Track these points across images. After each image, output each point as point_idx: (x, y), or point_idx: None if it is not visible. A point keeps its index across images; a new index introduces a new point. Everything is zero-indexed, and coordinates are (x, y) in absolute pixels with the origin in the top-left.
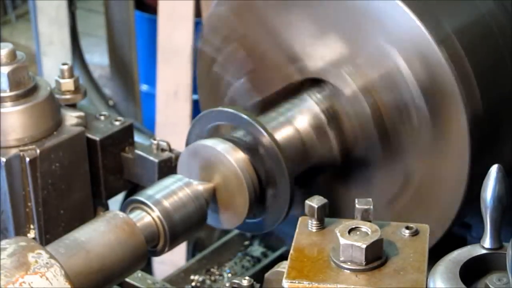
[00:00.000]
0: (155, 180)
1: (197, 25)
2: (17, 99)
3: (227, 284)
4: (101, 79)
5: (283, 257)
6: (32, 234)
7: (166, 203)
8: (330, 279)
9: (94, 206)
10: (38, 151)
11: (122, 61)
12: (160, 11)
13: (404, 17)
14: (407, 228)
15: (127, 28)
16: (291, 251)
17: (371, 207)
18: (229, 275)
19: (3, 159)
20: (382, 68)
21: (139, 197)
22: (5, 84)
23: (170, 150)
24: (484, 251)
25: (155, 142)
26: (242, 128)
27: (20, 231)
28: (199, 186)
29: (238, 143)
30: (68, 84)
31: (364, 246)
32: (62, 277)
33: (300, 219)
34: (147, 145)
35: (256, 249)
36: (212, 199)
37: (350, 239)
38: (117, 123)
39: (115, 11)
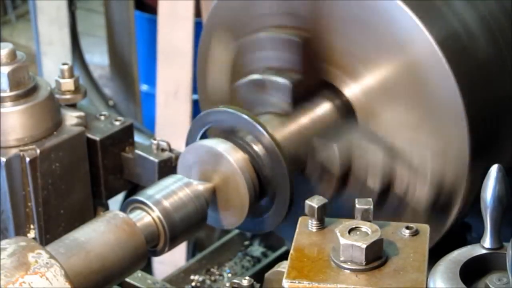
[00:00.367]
0: (155, 180)
1: (197, 25)
2: (17, 99)
3: (227, 284)
4: (101, 79)
5: (283, 257)
6: (32, 234)
7: (166, 203)
8: (330, 279)
9: (94, 206)
10: (38, 151)
11: (122, 61)
12: (160, 11)
13: (404, 17)
14: (407, 228)
15: (127, 28)
16: (291, 251)
17: (371, 207)
18: (229, 275)
19: (3, 159)
20: (383, 69)
21: (139, 197)
22: (5, 84)
23: (170, 150)
24: (484, 251)
25: (155, 142)
26: (242, 128)
27: (20, 231)
28: (199, 186)
29: (238, 143)
30: (68, 84)
31: (364, 246)
32: (62, 277)
33: (300, 219)
34: (147, 145)
35: (256, 249)
36: (212, 199)
37: (350, 239)
38: (117, 123)
39: (115, 11)
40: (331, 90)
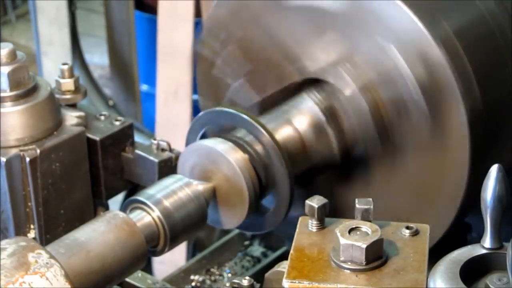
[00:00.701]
0: (155, 180)
1: (197, 25)
2: (17, 99)
3: (227, 284)
4: (101, 79)
5: (283, 257)
6: (32, 234)
7: (166, 203)
8: (330, 279)
9: (94, 206)
10: (38, 151)
11: (122, 61)
12: (160, 11)
13: (404, 17)
14: (407, 228)
15: (127, 28)
16: (291, 251)
17: (371, 207)
18: (229, 275)
19: (3, 159)
20: (382, 68)
21: (139, 197)
22: (5, 84)
23: (170, 150)
24: (484, 251)
25: (155, 142)
26: (242, 128)
27: (20, 231)
28: (199, 186)
29: (238, 143)
30: (68, 84)
31: (364, 246)
32: (62, 277)
33: (300, 219)
34: (147, 145)
35: (256, 249)
36: (212, 199)
37: (350, 239)
38: (117, 123)
39: (115, 11)
40: (332, 90)
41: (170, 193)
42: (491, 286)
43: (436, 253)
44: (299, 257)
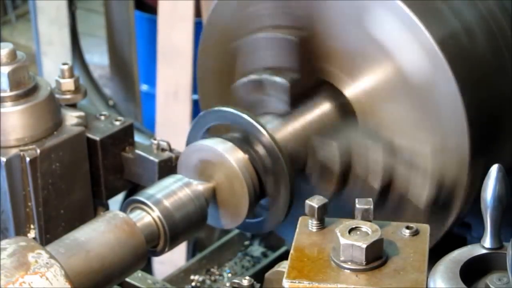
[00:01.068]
0: (155, 180)
1: (197, 25)
2: (17, 99)
3: (227, 284)
4: (101, 79)
5: (283, 257)
6: (32, 234)
7: (166, 203)
8: (330, 279)
9: (94, 206)
10: (38, 151)
11: (122, 61)
12: (160, 11)
13: (404, 17)
14: (407, 228)
15: (127, 28)
16: (291, 251)
17: (371, 207)
18: (229, 275)
19: (3, 159)
20: (382, 68)
21: (139, 197)
22: (5, 84)
23: (170, 150)
24: (484, 251)
25: (155, 142)
26: (242, 128)
27: (20, 231)
28: (199, 186)
29: (238, 143)
30: (68, 84)
31: (364, 246)
32: (62, 277)
33: (300, 219)
34: (147, 145)
35: (256, 249)
36: (212, 199)
37: (351, 239)
38: (117, 123)
39: (115, 11)
40: (331, 90)
41: (170, 193)
42: (491, 286)
43: (436, 253)
44: (299, 257)
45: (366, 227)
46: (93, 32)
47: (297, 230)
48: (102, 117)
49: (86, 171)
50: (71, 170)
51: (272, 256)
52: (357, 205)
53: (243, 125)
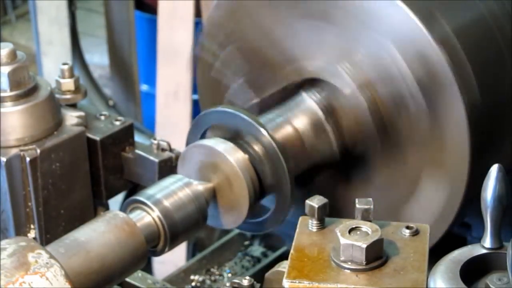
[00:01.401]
0: (155, 180)
1: (197, 25)
2: (17, 99)
3: (227, 284)
4: (101, 79)
5: (283, 257)
6: (32, 234)
7: (166, 203)
8: (330, 279)
9: (94, 206)
10: (38, 151)
11: (122, 61)
12: (160, 11)
13: (404, 17)
14: (408, 227)
15: (127, 28)
16: (291, 251)
17: (371, 206)
18: (229, 275)
19: (4, 159)
20: (381, 68)
21: (139, 197)
22: (5, 84)
23: (170, 150)
24: (484, 251)
25: (155, 142)
26: (242, 128)
27: (21, 231)
28: (199, 186)
29: (238, 143)
30: (68, 84)
31: (364, 246)
32: (62, 277)
33: (300, 218)
34: (147, 145)
35: (256, 249)
36: (212, 199)
37: (351, 238)
38: (117, 123)
39: (115, 11)
40: (331, 89)
41: (170, 193)
42: (491, 286)
43: (436, 253)
44: (299, 257)
45: (366, 227)
46: (93, 32)
47: (297, 230)
48: (102, 117)
49: (86, 171)
50: (71, 170)
51: (272, 256)
52: (357, 205)
53: (243, 125)
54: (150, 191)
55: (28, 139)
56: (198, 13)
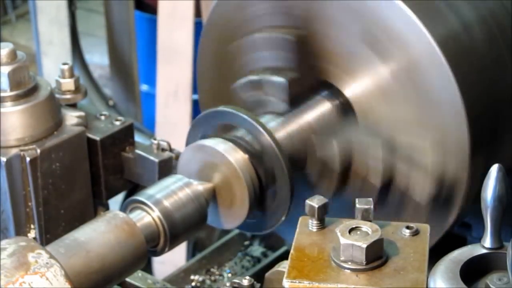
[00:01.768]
0: (155, 180)
1: (197, 25)
2: (17, 99)
3: (227, 284)
4: (101, 79)
5: (283, 257)
6: (32, 234)
7: (166, 203)
8: (330, 278)
9: (95, 206)
10: (38, 151)
11: (122, 61)
12: (160, 11)
13: (404, 17)
14: (408, 227)
15: (127, 28)
16: (291, 251)
17: (372, 206)
18: (229, 275)
19: (4, 159)
20: (382, 68)
21: (139, 197)
22: (5, 84)
23: (171, 150)
24: (484, 251)
25: (155, 142)
26: (242, 128)
27: (21, 230)
28: (199, 186)
29: (238, 143)
30: (68, 84)
31: (364, 245)
32: (62, 277)
33: (300, 218)
34: (147, 145)
35: (256, 249)
36: (212, 199)
37: (351, 238)
38: (117, 123)
39: (115, 11)
40: (330, 89)
41: (170, 193)
42: (491, 286)
43: (436, 253)
44: (299, 257)
45: (366, 227)
46: (93, 32)
47: (297, 230)
48: (102, 117)
49: (86, 171)
50: (71, 170)
51: (272, 256)
52: (357, 205)
53: (243, 125)
54: (150, 191)
55: (28, 139)
56: (198, 13)
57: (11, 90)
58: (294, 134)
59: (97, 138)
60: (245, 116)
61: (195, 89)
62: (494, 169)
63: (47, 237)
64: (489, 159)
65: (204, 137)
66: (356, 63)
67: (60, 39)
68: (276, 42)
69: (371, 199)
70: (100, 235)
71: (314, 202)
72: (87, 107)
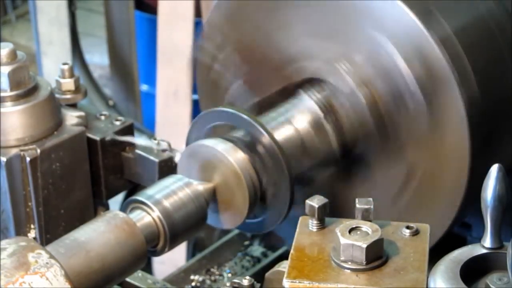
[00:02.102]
0: (155, 180)
1: (197, 25)
2: (17, 99)
3: (227, 284)
4: (101, 79)
5: (283, 257)
6: (32, 234)
7: (166, 203)
8: (330, 278)
9: (95, 206)
10: (38, 150)
11: (122, 61)
12: (160, 11)
13: (404, 17)
14: (408, 227)
15: (127, 28)
16: (291, 251)
17: (372, 206)
18: (229, 275)
19: (4, 159)
20: (381, 68)
21: (139, 197)
22: (5, 84)
23: (171, 150)
24: (484, 251)
25: (155, 141)
26: (242, 128)
27: (21, 230)
28: (199, 186)
29: (238, 143)
30: (68, 84)
31: (364, 245)
32: (62, 277)
33: (300, 218)
34: (147, 145)
35: (256, 249)
36: (212, 199)
37: (351, 238)
38: (117, 123)
39: (115, 11)
40: (330, 88)
41: (170, 193)
42: (491, 285)
43: (436, 253)
44: (299, 256)
45: (366, 227)
46: (93, 32)
47: (297, 230)
48: (102, 117)
49: (86, 171)
50: (71, 170)
51: (272, 256)
52: (357, 205)
53: (243, 125)
54: (150, 191)
55: (28, 139)
56: (198, 13)
57: (11, 90)
58: (294, 134)
59: (97, 138)
60: (245, 116)
61: (195, 89)
62: (494, 169)
63: (47, 237)
64: (489, 159)
65: (204, 137)
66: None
67: (60, 39)
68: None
69: (371, 199)
70: (100, 235)
71: (314, 202)
72: (87, 107)
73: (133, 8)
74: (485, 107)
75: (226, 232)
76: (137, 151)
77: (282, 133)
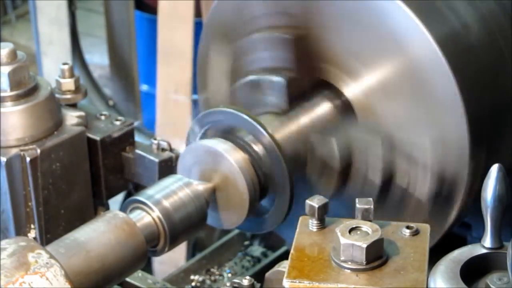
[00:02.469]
0: (155, 179)
1: (197, 25)
2: (17, 99)
3: (227, 284)
4: (101, 79)
5: (283, 257)
6: (32, 234)
7: (166, 203)
8: (330, 278)
9: (95, 206)
10: (38, 150)
11: (122, 61)
12: (160, 11)
13: (404, 17)
14: (408, 227)
15: (127, 28)
16: (291, 251)
17: (372, 206)
18: (229, 275)
19: (4, 159)
20: (382, 67)
21: (139, 197)
22: (5, 84)
23: (170, 150)
24: (484, 251)
25: (155, 141)
26: (242, 128)
27: (21, 230)
28: (199, 186)
29: (238, 143)
30: (68, 84)
31: (364, 245)
32: (62, 277)
33: (300, 218)
34: (147, 145)
35: (256, 249)
36: (212, 199)
37: (351, 238)
38: (117, 123)
39: (115, 11)
40: (329, 88)
41: (170, 193)
42: (491, 285)
43: (436, 253)
44: (299, 256)
45: (366, 227)
46: (93, 32)
47: (297, 230)
48: (103, 117)
49: (86, 171)
50: (71, 170)
51: (272, 256)
52: (357, 205)
53: (243, 125)
54: (150, 191)
55: (28, 139)
56: (198, 13)
57: (11, 90)
58: (294, 134)
59: (97, 138)
60: (245, 116)
61: (195, 89)
62: (494, 169)
63: (47, 237)
64: (489, 159)
65: (204, 137)
66: (356, 63)
67: (60, 39)
68: (275, 43)
69: (371, 199)
70: (100, 235)
71: (314, 202)
72: (87, 107)
73: (133, 8)
74: (485, 106)
75: (226, 232)
76: (137, 151)
77: (283, 133)
